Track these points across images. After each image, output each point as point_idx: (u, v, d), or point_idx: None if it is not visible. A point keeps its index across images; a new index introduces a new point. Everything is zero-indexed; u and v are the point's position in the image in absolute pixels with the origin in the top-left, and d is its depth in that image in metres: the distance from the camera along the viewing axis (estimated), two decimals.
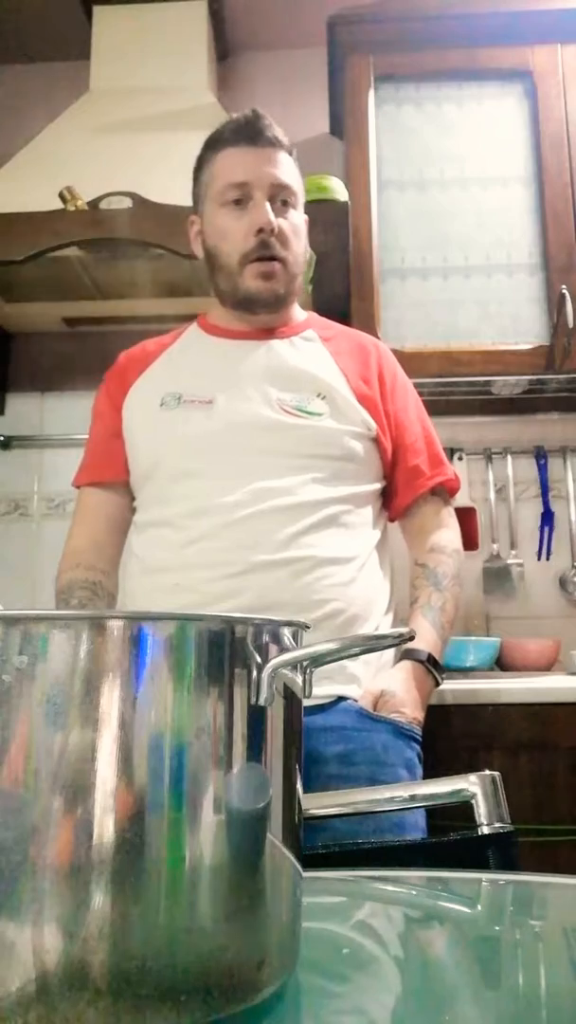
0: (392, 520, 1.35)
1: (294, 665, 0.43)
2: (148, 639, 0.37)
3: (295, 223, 1.28)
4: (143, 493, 1.28)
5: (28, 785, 0.35)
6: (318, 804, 0.78)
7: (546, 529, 2.16)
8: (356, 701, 1.14)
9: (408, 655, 1.20)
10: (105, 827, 0.35)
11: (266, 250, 1.24)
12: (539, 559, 2.16)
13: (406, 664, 1.19)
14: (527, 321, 1.93)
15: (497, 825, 0.75)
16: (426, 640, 1.21)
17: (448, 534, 1.33)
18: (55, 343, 2.34)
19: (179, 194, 1.91)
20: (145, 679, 0.37)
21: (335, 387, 1.25)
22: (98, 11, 2.27)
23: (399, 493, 1.31)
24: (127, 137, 2.09)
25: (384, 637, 0.45)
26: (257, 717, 0.41)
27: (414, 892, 0.65)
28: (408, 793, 0.80)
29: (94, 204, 1.92)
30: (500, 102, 2.04)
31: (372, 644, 0.45)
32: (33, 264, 1.91)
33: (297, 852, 0.44)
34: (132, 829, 0.36)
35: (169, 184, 1.93)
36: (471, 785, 0.77)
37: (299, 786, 0.45)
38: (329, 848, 0.75)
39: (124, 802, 0.36)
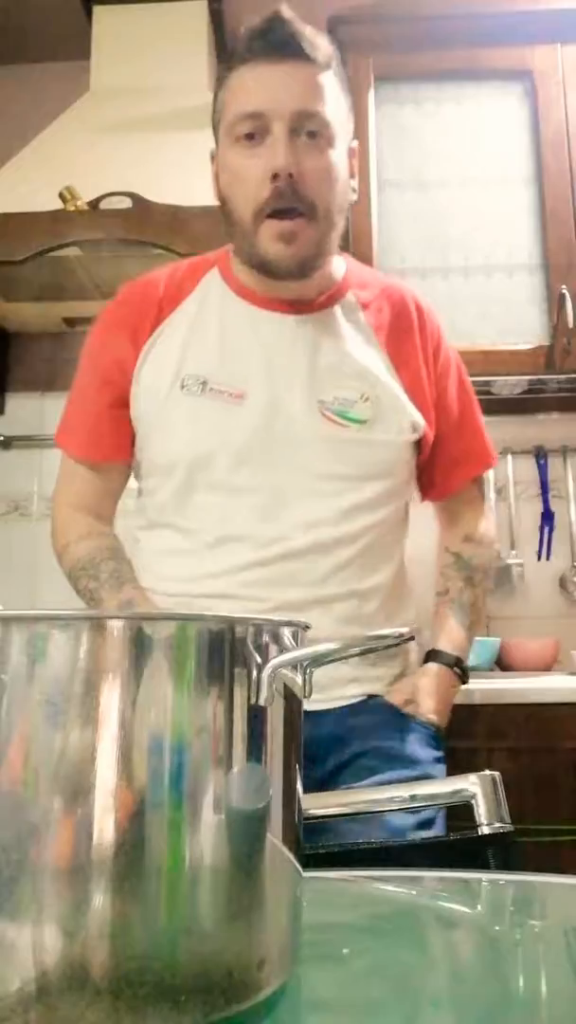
0: (423, 500, 1.23)
1: (294, 665, 0.43)
2: (148, 639, 0.37)
3: (328, 161, 1.01)
4: (155, 484, 1.11)
5: (28, 785, 0.35)
6: (318, 804, 0.78)
7: (546, 529, 2.16)
8: (384, 697, 1.09)
9: (435, 658, 1.13)
10: (105, 827, 0.35)
11: (282, 201, 0.99)
12: (539, 559, 2.16)
13: (433, 667, 1.12)
14: (527, 321, 1.93)
15: (497, 825, 0.75)
16: (454, 642, 1.14)
17: (484, 524, 1.23)
18: (55, 343, 2.34)
19: (179, 194, 1.92)
20: (145, 679, 0.37)
21: (382, 381, 1.08)
22: (98, 11, 2.28)
23: (438, 481, 1.19)
24: (127, 137, 2.09)
25: (384, 637, 0.45)
26: (257, 717, 0.41)
27: (414, 892, 0.65)
28: (408, 793, 0.80)
29: (94, 204, 1.92)
30: (500, 102, 2.04)
31: (372, 644, 0.45)
32: (33, 264, 1.91)
33: (297, 852, 0.44)
34: (132, 829, 0.36)
35: (169, 184, 1.93)
36: (471, 785, 0.77)
37: (299, 786, 0.45)
38: (329, 848, 0.75)
39: (124, 802, 0.36)
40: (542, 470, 2.18)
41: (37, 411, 2.33)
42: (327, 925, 0.55)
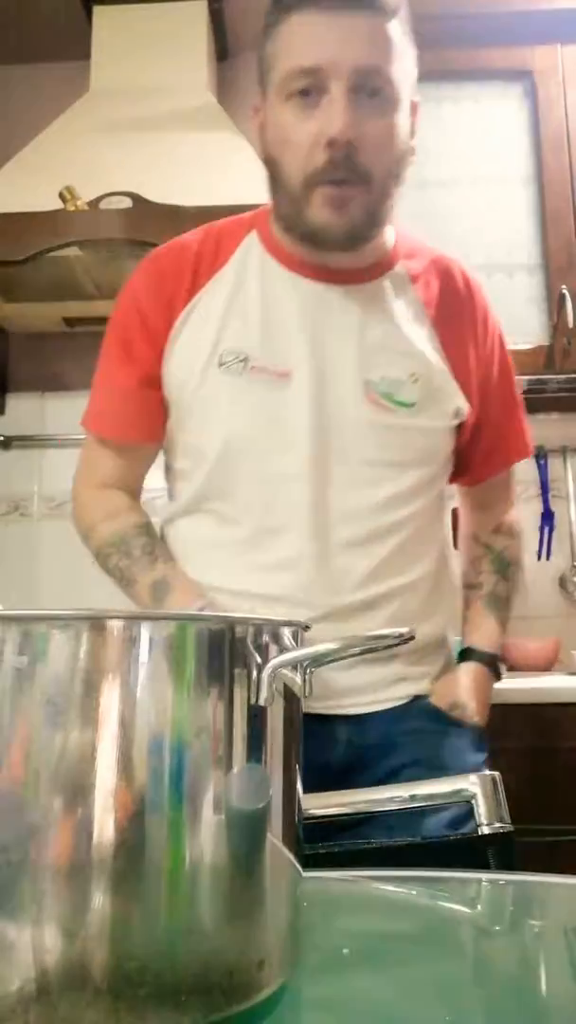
0: (451, 483, 1.16)
1: (294, 665, 0.43)
2: (148, 639, 0.37)
3: (389, 125, 0.93)
4: (190, 467, 1.05)
5: (28, 785, 0.35)
6: (318, 804, 0.78)
7: (546, 529, 2.16)
8: (430, 700, 1.05)
9: (472, 656, 1.09)
10: (105, 827, 0.35)
11: (337, 171, 0.91)
12: (539, 559, 2.16)
13: (471, 667, 1.08)
14: (527, 321, 1.93)
15: (497, 825, 0.75)
16: (490, 639, 1.10)
17: (514, 514, 1.19)
18: (55, 343, 2.34)
19: (179, 194, 1.92)
20: (145, 679, 0.37)
21: (430, 361, 1.02)
22: (98, 11, 2.27)
23: (474, 466, 1.14)
24: (127, 137, 2.09)
25: (384, 637, 0.45)
26: (257, 717, 0.41)
27: (414, 892, 0.65)
28: (408, 793, 0.80)
29: (94, 204, 1.92)
30: (500, 102, 2.05)
31: (372, 644, 0.45)
32: (33, 264, 1.91)
33: (297, 852, 0.44)
34: (132, 829, 0.36)
35: (169, 184, 1.93)
36: (471, 785, 0.77)
37: (299, 786, 0.45)
38: (329, 848, 0.75)
39: (124, 802, 0.36)
40: (542, 470, 2.18)
41: (37, 411, 2.33)
42: (327, 925, 0.55)
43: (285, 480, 0.98)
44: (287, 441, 0.98)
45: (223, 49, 2.44)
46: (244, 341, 0.99)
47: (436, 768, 0.97)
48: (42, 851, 0.35)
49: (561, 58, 2.03)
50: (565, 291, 1.86)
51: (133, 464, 1.10)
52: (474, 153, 2.02)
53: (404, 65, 0.94)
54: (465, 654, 1.11)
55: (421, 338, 1.03)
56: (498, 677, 1.12)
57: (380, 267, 1.04)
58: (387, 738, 1.01)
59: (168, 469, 1.11)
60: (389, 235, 1.06)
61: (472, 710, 1.06)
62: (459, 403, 1.04)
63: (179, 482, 1.08)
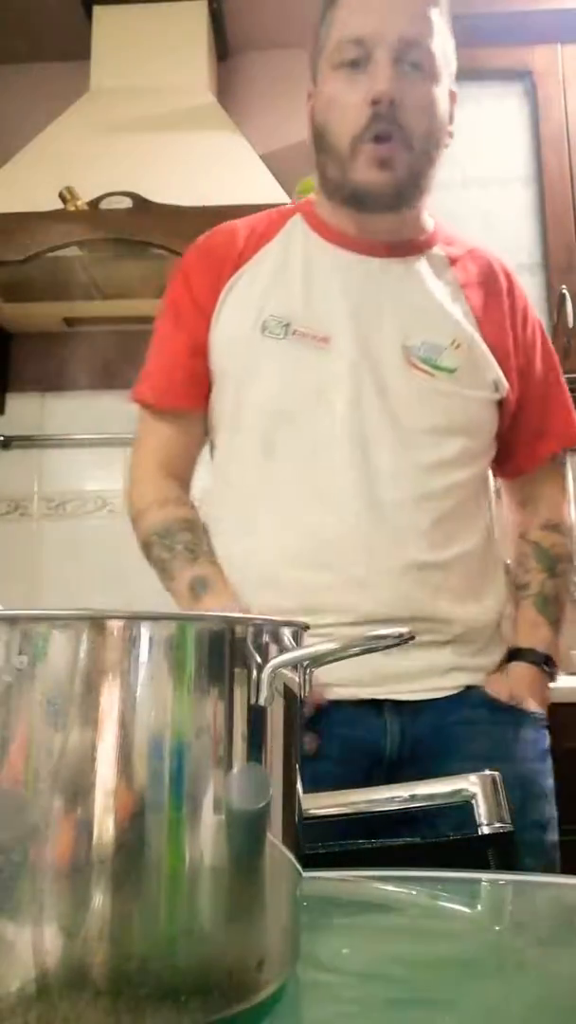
0: (496, 476, 1.15)
1: (294, 665, 0.43)
2: (148, 639, 0.37)
3: (430, 93, 0.99)
4: (229, 439, 1.07)
5: (28, 785, 0.35)
6: (318, 804, 0.78)
7: None
8: (484, 688, 1.02)
9: (523, 656, 1.05)
10: (105, 827, 0.35)
11: (381, 124, 0.96)
12: None
13: (523, 667, 1.04)
14: None
15: (497, 825, 0.75)
16: (541, 638, 1.06)
17: (566, 508, 1.15)
18: (55, 343, 2.34)
19: (179, 194, 1.92)
20: (145, 679, 0.37)
21: (471, 334, 1.04)
22: (98, 11, 2.28)
23: (517, 453, 1.12)
24: (127, 137, 2.09)
25: (384, 637, 0.45)
26: (257, 717, 0.41)
27: (414, 892, 0.65)
28: (408, 793, 0.80)
29: (94, 204, 1.92)
30: (500, 102, 2.05)
31: (372, 644, 0.45)
32: (33, 264, 1.91)
33: (297, 852, 0.44)
34: (132, 829, 0.36)
35: (169, 184, 1.93)
36: (471, 785, 0.77)
37: (299, 786, 0.45)
38: (329, 848, 0.75)
39: (124, 802, 0.36)
40: None
41: (37, 411, 2.33)
42: (327, 925, 0.55)
43: (328, 442, 0.99)
44: (329, 402, 0.99)
45: (223, 49, 2.44)
46: (286, 307, 1.02)
47: (499, 761, 0.91)
48: (42, 851, 0.35)
49: (561, 58, 2.03)
50: (565, 291, 1.86)
51: (183, 438, 1.10)
52: (474, 153, 2.02)
53: (444, 47, 1.01)
54: (514, 655, 1.06)
55: (459, 312, 1.05)
56: (552, 677, 1.07)
57: (419, 245, 1.08)
58: (442, 731, 0.99)
59: (212, 446, 1.12)
60: (429, 220, 1.10)
61: (530, 704, 1.03)
62: (498, 375, 1.05)
63: (220, 459, 1.09)
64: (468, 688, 1.01)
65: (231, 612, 0.94)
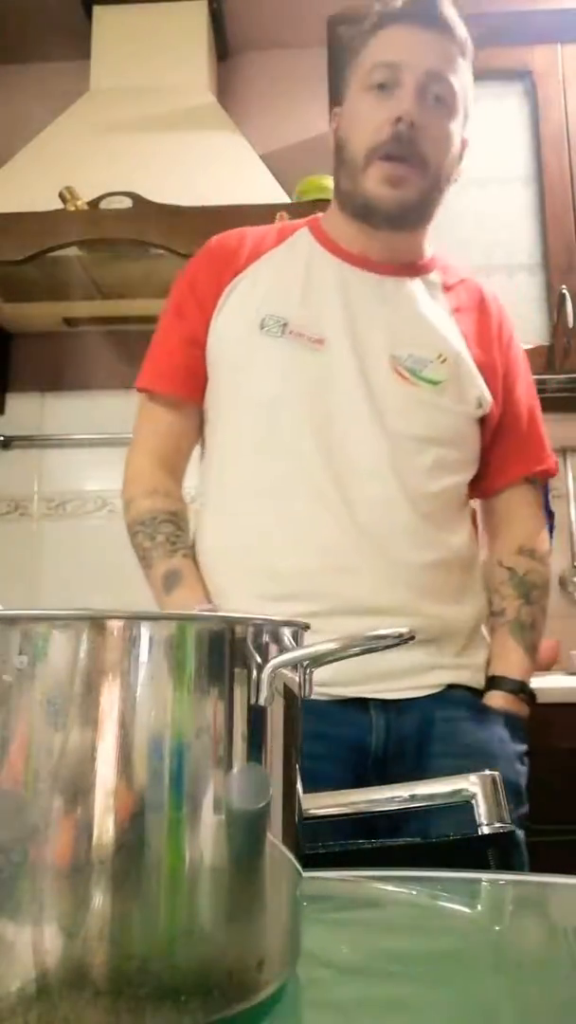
0: (472, 497, 1.17)
1: (294, 665, 0.43)
2: (148, 639, 0.37)
3: (448, 128, 1.05)
4: (221, 437, 1.10)
5: (28, 785, 0.35)
6: (318, 804, 0.78)
7: (546, 529, 2.16)
8: (466, 688, 1.05)
9: (498, 685, 1.07)
10: (105, 827, 0.35)
11: (398, 146, 1.01)
12: None
13: (498, 695, 1.06)
14: (527, 321, 1.93)
15: (497, 825, 0.75)
16: (517, 666, 1.08)
17: (542, 534, 1.18)
18: (55, 343, 2.34)
19: (179, 194, 1.92)
20: (145, 679, 0.37)
21: (459, 351, 1.08)
22: (98, 11, 2.28)
23: (490, 474, 1.15)
24: (127, 137, 2.09)
25: (383, 637, 0.45)
26: (257, 717, 0.41)
27: (414, 892, 0.65)
28: (408, 793, 0.80)
29: (94, 204, 1.92)
30: (500, 102, 2.05)
31: (372, 644, 0.45)
32: (33, 264, 1.91)
33: (297, 852, 0.44)
34: (132, 829, 0.36)
35: (169, 184, 1.93)
36: (471, 785, 0.77)
37: (299, 786, 0.45)
38: (329, 848, 0.75)
39: (124, 802, 0.36)
40: None
41: (37, 411, 2.33)
42: (327, 925, 0.55)
43: (319, 438, 1.02)
44: (322, 400, 1.03)
45: (223, 49, 2.44)
46: (284, 308, 1.07)
47: (476, 756, 0.96)
48: (42, 851, 0.35)
49: (560, 58, 2.03)
50: (565, 291, 1.86)
51: (178, 427, 1.13)
52: (474, 153, 2.02)
53: (465, 92, 1.07)
54: (491, 683, 1.08)
55: (448, 331, 1.10)
56: (529, 704, 1.09)
57: (417, 268, 1.13)
58: (425, 728, 1.01)
59: (204, 441, 1.15)
60: (429, 248, 1.15)
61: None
62: (483, 391, 1.09)
63: (214, 451, 1.11)
64: (450, 687, 1.05)
65: (196, 611, 0.97)
